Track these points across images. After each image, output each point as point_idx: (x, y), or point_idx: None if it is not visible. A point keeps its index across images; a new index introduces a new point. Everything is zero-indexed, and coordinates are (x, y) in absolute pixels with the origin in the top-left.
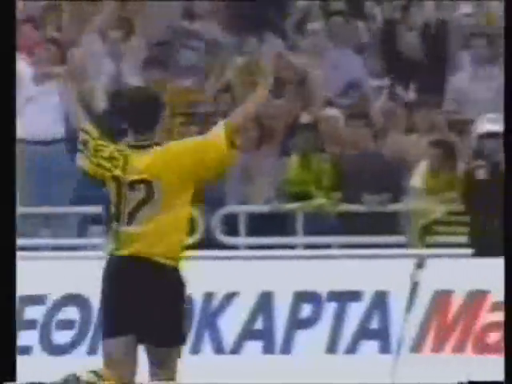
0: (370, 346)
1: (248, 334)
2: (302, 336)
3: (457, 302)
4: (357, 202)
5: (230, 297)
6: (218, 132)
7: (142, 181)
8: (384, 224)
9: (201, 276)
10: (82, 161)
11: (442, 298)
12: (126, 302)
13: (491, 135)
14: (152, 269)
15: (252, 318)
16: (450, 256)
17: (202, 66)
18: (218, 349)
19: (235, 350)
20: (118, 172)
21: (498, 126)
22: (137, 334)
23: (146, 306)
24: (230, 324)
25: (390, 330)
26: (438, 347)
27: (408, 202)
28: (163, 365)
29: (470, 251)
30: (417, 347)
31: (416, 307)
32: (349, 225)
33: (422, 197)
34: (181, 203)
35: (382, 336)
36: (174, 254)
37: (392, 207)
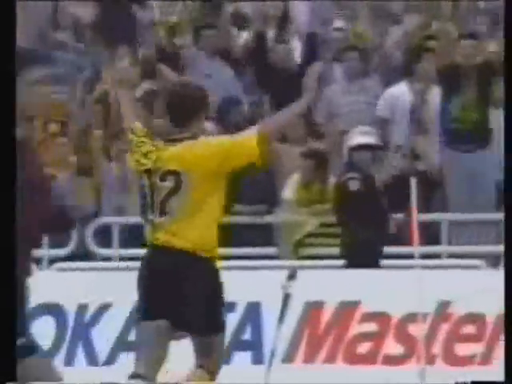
0: (242, 357)
1: (121, 345)
2: None
3: (328, 312)
4: (231, 213)
5: (103, 308)
6: (251, 134)
7: (171, 172)
8: (257, 235)
9: (74, 288)
10: (130, 159)
11: (313, 308)
12: (159, 290)
13: (363, 147)
14: (185, 259)
15: (125, 330)
16: (321, 267)
17: (74, 77)
18: (92, 360)
19: (109, 361)
20: (150, 165)
21: (369, 139)
22: (170, 319)
23: (180, 295)
24: (104, 335)
25: (263, 340)
26: (309, 358)
27: (280, 214)
28: (205, 354)
29: (341, 262)
30: (289, 358)
31: (288, 318)
32: (223, 236)
33: (294, 209)
34: (210, 196)
35: (255, 347)
36: (205, 246)
37: (265, 219)
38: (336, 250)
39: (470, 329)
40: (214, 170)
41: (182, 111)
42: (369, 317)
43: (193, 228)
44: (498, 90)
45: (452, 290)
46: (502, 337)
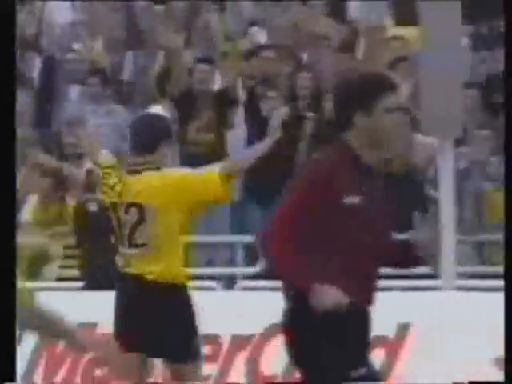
0: None
1: None
2: None
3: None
4: None
5: None
6: (213, 171)
7: (134, 204)
8: None
9: None
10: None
11: None
12: (133, 320)
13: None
14: (155, 288)
15: None
16: (61, 289)
17: None
18: None
19: None
20: (115, 198)
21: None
22: (146, 351)
23: (154, 323)
24: None
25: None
26: (48, 377)
27: (18, 236)
28: (181, 380)
29: (80, 284)
30: (29, 377)
31: (27, 337)
32: None
33: (33, 230)
34: (172, 227)
35: None
36: (173, 274)
37: None
38: (76, 272)
39: (206, 349)
40: (176, 203)
41: (145, 140)
42: None
43: (161, 258)
44: (234, 110)
45: None
46: (236, 358)
